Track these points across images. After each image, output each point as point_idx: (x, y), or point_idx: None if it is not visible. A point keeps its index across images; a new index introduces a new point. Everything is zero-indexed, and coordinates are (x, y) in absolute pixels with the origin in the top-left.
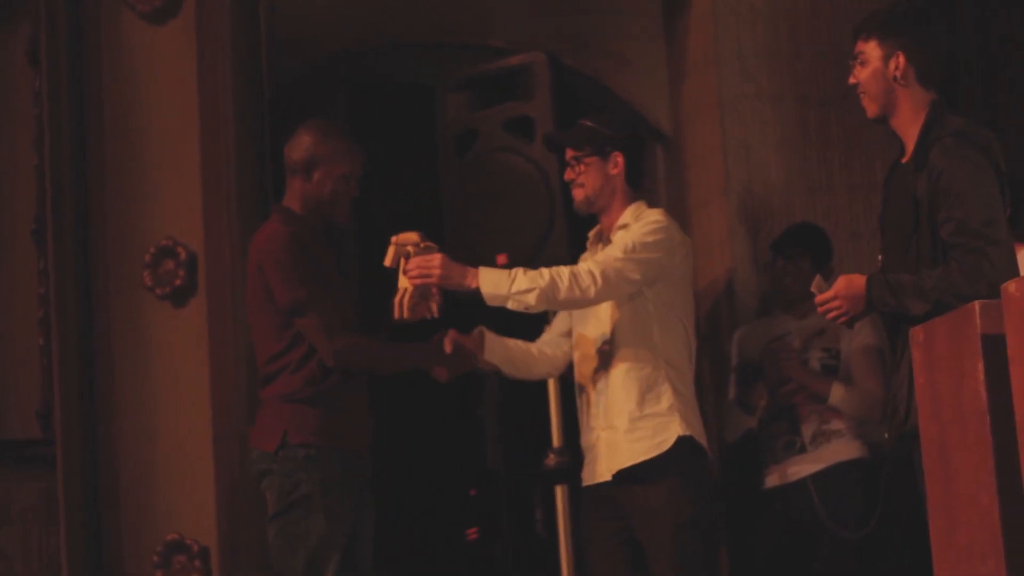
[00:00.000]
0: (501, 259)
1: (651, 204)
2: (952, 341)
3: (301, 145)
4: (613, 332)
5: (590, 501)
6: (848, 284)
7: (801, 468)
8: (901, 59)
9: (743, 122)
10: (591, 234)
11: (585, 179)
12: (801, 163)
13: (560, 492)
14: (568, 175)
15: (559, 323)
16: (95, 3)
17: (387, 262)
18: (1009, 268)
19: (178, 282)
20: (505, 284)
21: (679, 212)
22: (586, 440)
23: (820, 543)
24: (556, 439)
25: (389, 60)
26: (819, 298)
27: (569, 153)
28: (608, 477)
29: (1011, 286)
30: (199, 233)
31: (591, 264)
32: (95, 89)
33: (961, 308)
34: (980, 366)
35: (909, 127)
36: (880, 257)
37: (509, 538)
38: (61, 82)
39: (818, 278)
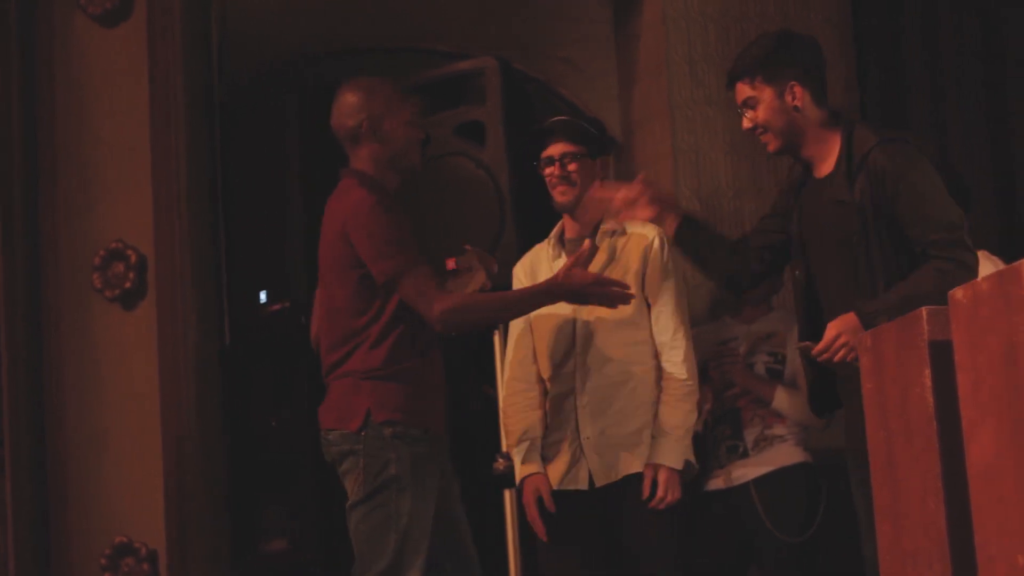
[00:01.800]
0: (450, 263)
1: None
2: (899, 347)
3: (355, 106)
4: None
5: (573, 504)
6: (843, 323)
7: (744, 472)
8: (796, 89)
9: (693, 127)
10: (554, 235)
11: (578, 178)
12: (750, 168)
13: (508, 496)
14: (555, 171)
15: None
16: (47, 5)
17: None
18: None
19: (128, 285)
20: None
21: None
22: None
23: (762, 547)
24: (504, 443)
25: (340, 64)
26: (819, 347)
27: (561, 150)
28: (602, 482)
29: (958, 292)
30: (149, 236)
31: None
32: (46, 90)
33: (908, 314)
34: (927, 372)
35: (819, 147)
36: (796, 272)
37: None
38: (12, 83)
39: (802, 345)
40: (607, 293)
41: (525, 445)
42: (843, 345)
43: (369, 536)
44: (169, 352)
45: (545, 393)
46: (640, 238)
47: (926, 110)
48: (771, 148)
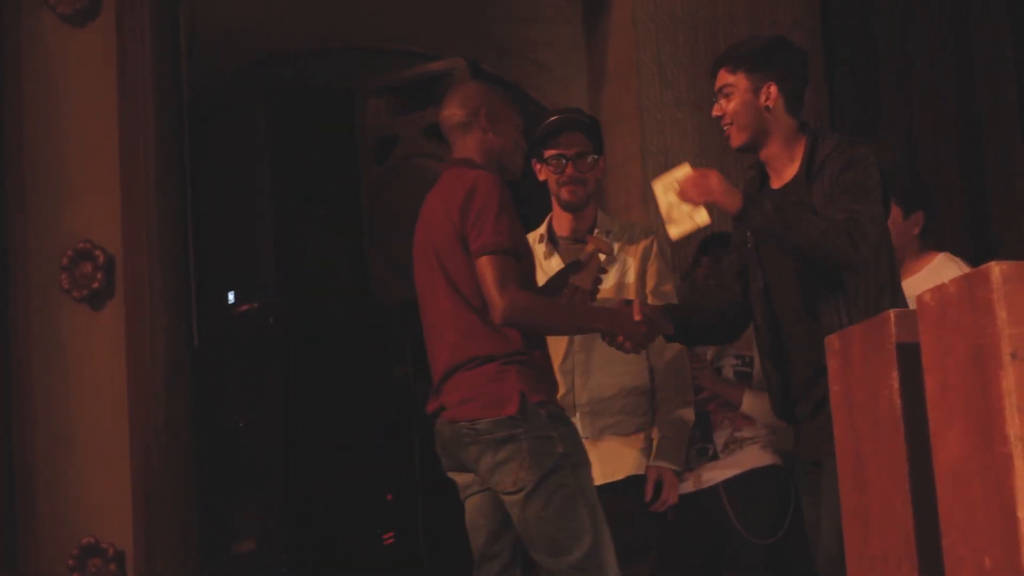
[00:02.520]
0: None
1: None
2: (867, 349)
3: (474, 97)
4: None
5: None
6: (709, 176)
7: (714, 474)
8: (773, 89)
9: (662, 129)
10: (543, 233)
11: (589, 176)
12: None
13: None
14: (569, 170)
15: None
16: (15, 4)
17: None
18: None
19: (96, 285)
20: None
21: None
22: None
23: (732, 549)
24: None
25: (310, 65)
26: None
27: (574, 148)
28: (600, 482)
29: (926, 295)
30: (117, 236)
31: None
32: (13, 90)
33: (876, 316)
34: (895, 374)
35: (781, 154)
36: (755, 283)
37: (425, 542)
38: None
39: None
40: (641, 341)
41: None
42: (690, 185)
43: (558, 519)
44: (137, 352)
45: None
46: (635, 237)
47: (896, 111)
48: (734, 142)
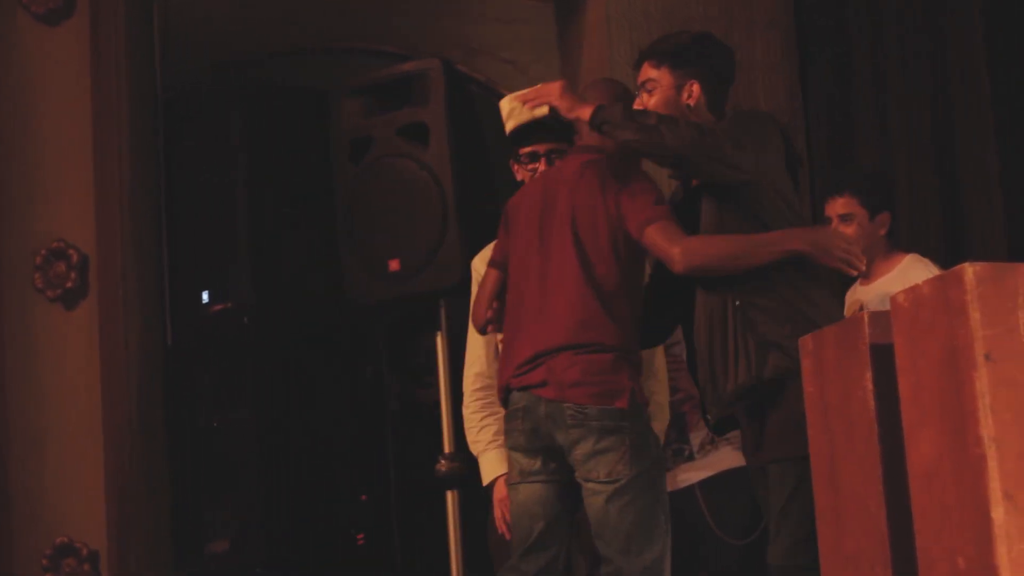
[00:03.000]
0: (394, 264)
1: None
2: (841, 350)
3: (616, 90)
4: None
5: None
6: (560, 88)
7: (689, 475)
8: (695, 88)
9: None
10: None
11: None
12: None
13: (451, 497)
14: (542, 168)
15: None
16: None
17: None
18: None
19: (69, 284)
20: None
21: None
22: None
23: (707, 549)
24: (447, 445)
25: (284, 65)
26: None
27: (546, 146)
28: None
29: (900, 296)
30: (91, 235)
31: None
32: None
33: (850, 317)
34: (868, 375)
35: None
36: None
37: (400, 542)
38: None
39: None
40: (850, 260)
41: (496, 445)
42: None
43: (639, 518)
44: (111, 352)
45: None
46: None
47: (870, 111)
48: None
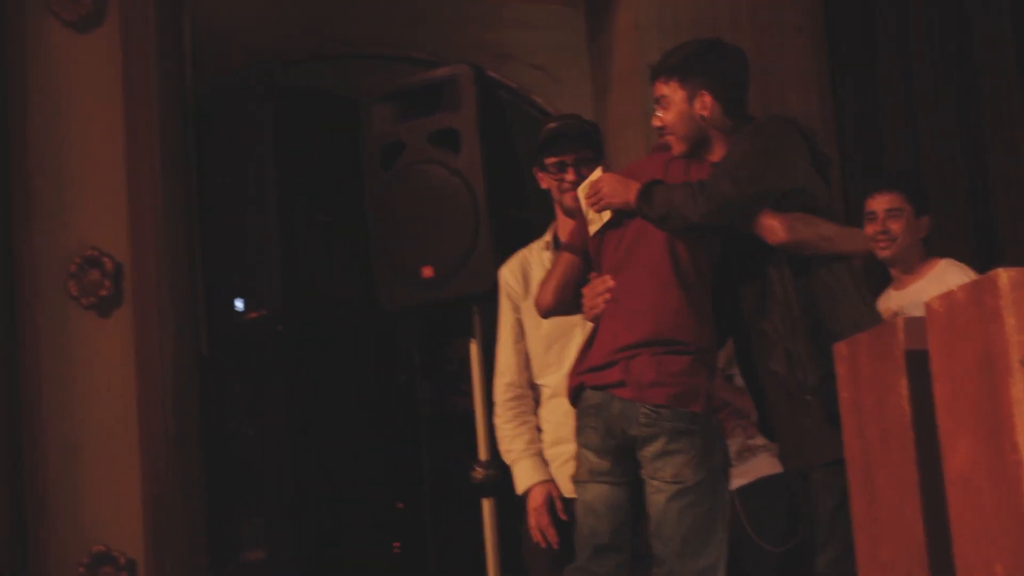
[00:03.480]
0: (427, 271)
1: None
2: (875, 357)
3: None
4: None
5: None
6: (615, 179)
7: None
8: (707, 98)
9: None
10: (547, 240)
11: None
12: None
13: (487, 505)
14: (570, 178)
15: None
16: (19, 10)
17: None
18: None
19: (104, 292)
20: None
21: None
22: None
23: (744, 556)
24: (483, 452)
25: (315, 71)
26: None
27: (574, 156)
28: None
29: (934, 302)
30: (125, 243)
31: None
32: (19, 97)
33: (884, 324)
34: (904, 382)
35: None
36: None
37: (434, 550)
38: None
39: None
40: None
41: (530, 454)
42: (597, 192)
43: (698, 524)
44: (146, 360)
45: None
46: None
47: (899, 116)
48: (675, 150)
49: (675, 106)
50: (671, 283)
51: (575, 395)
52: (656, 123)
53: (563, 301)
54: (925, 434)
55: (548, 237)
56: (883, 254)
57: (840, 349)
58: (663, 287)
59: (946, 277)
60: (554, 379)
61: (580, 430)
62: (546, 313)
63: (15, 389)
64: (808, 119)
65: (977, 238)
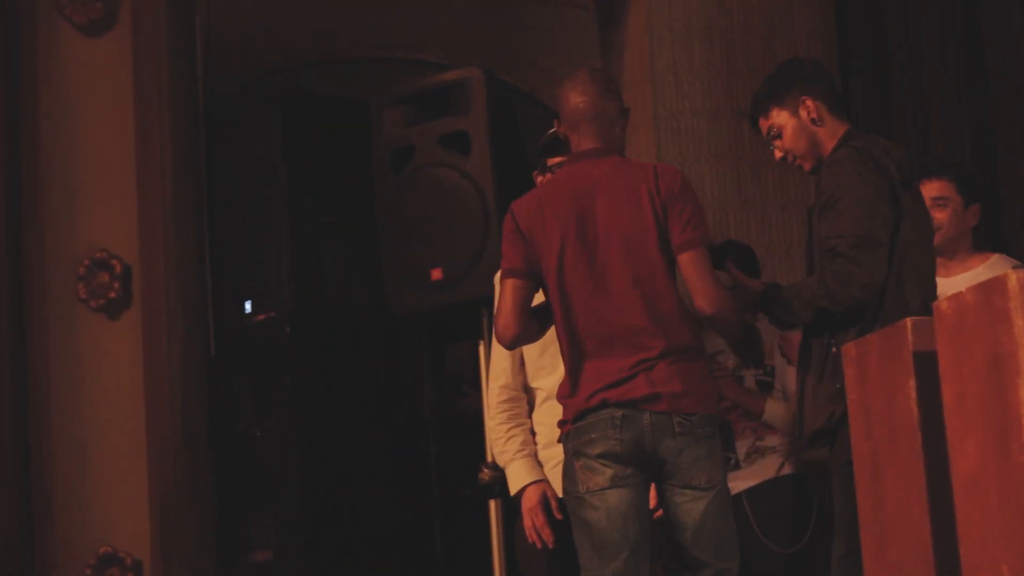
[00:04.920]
0: (436, 274)
1: None
2: (884, 358)
3: (619, 92)
4: None
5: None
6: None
7: (736, 484)
8: (808, 102)
9: (678, 138)
10: None
11: None
12: (735, 179)
13: (493, 506)
14: None
15: None
16: (30, 14)
17: None
18: (882, 267)
19: (113, 295)
20: None
21: None
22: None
23: (752, 557)
24: (490, 454)
25: (325, 74)
26: None
27: None
28: None
29: (943, 303)
30: (134, 245)
31: None
32: (30, 100)
33: (893, 325)
34: (912, 383)
35: None
36: None
37: (441, 550)
38: None
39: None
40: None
41: (524, 455)
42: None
43: (727, 522)
44: (154, 362)
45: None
46: None
47: (910, 118)
48: (806, 168)
49: (787, 127)
50: (659, 291)
51: (589, 409)
52: (778, 156)
53: (526, 328)
54: (933, 435)
55: None
56: None
57: (848, 350)
58: (654, 295)
59: (997, 271)
60: (549, 382)
61: (597, 441)
62: (512, 343)
63: (24, 390)
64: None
65: (986, 238)
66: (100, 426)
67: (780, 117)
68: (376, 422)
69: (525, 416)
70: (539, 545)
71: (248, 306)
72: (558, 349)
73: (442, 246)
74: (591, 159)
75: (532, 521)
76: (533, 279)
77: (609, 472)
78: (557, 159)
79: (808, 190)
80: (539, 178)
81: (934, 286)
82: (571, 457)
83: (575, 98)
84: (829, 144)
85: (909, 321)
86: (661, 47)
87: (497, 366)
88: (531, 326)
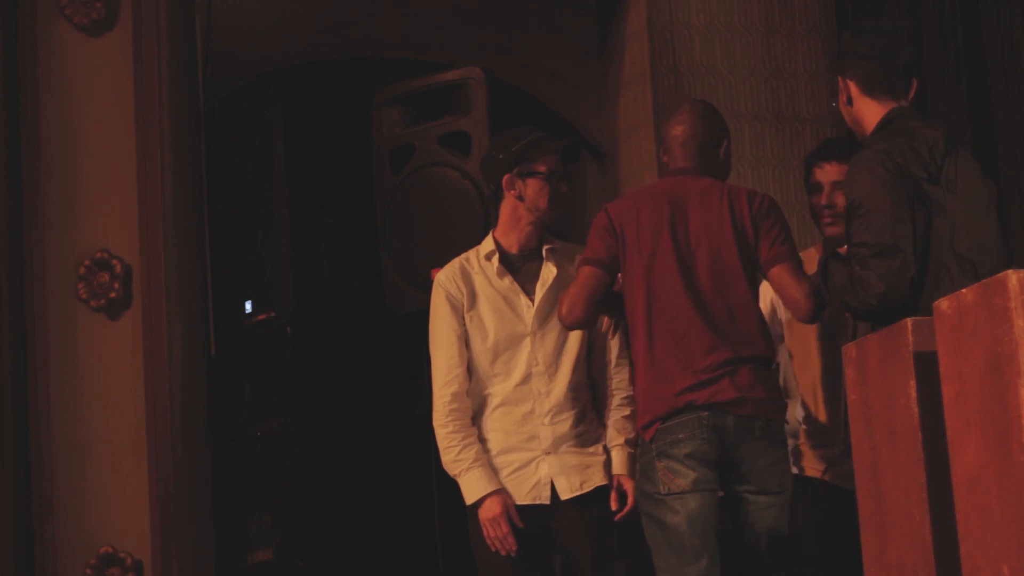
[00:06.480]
0: (436, 274)
1: (583, 220)
2: (884, 358)
3: (719, 124)
4: None
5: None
6: None
7: None
8: (842, 82)
9: None
10: (491, 251)
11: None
12: (735, 179)
13: None
14: (561, 188)
15: None
16: (31, 15)
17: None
18: (900, 275)
19: (113, 295)
20: None
21: None
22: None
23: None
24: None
25: (324, 74)
26: None
27: (561, 165)
28: (567, 496)
29: (943, 303)
30: (135, 246)
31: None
32: (31, 100)
33: (893, 325)
34: (912, 383)
35: None
36: None
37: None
38: None
39: None
40: None
41: (481, 463)
42: None
43: (790, 528)
44: (154, 362)
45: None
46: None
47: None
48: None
49: (839, 101)
50: (744, 300)
51: (676, 409)
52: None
53: (590, 315)
54: (933, 435)
55: (491, 246)
56: (830, 231)
57: (848, 351)
58: (741, 303)
59: None
60: (502, 388)
61: (684, 441)
62: (573, 326)
63: (24, 390)
64: (821, 121)
65: None
66: (100, 426)
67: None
68: (376, 422)
69: (472, 424)
70: (502, 553)
71: (248, 306)
72: (511, 356)
73: (442, 246)
74: (688, 176)
75: (495, 531)
76: (611, 274)
77: (692, 475)
78: (545, 167)
79: None
80: (518, 181)
81: (996, 257)
82: (654, 457)
83: (673, 127)
84: (866, 122)
85: (909, 321)
86: (661, 47)
87: (448, 373)
88: (592, 315)
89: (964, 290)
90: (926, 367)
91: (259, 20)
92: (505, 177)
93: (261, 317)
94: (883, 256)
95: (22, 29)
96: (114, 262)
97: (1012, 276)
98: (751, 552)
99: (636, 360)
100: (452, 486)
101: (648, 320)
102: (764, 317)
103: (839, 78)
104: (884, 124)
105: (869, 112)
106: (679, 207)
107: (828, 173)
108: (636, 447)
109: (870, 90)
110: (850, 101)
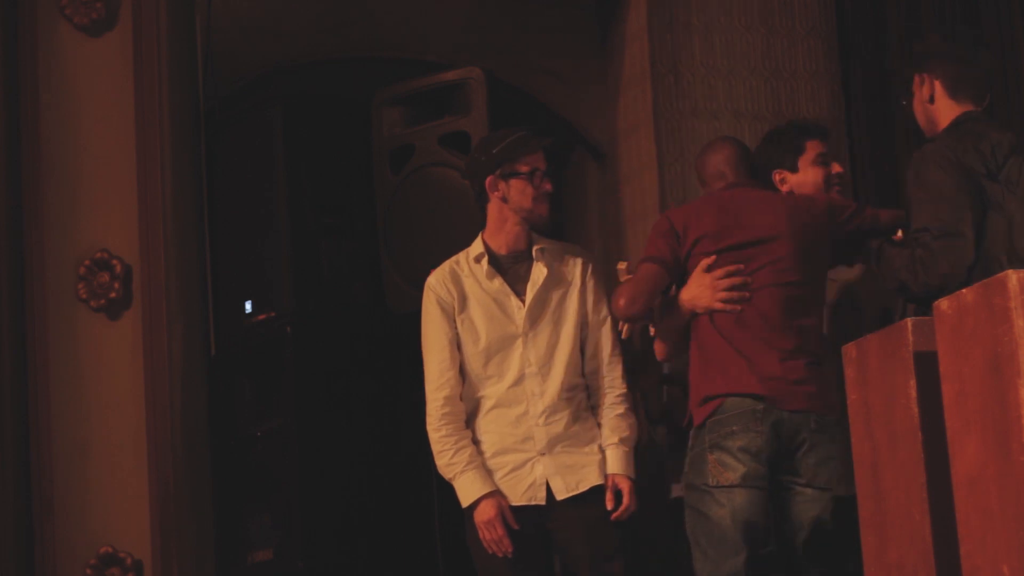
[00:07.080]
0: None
1: (582, 221)
2: (884, 358)
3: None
4: None
5: (529, 519)
6: None
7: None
8: (927, 79)
9: (678, 137)
10: (480, 253)
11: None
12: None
13: None
14: (547, 187)
15: None
16: (31, 15)
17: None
18: (962, 259)
19: (113, 295)
20: None
21: (614, 226)
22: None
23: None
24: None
25: (324, 74)
26: None
27: (546, 165)
28: (563, 496)
29: (943, 303)
30: (135, 246)
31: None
32: (30, 100)
33: (893, 325)
34: (912, 383)
35: None
36: None
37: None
38: None
39: None
40: None
41: (475, 466)
42: None
43: (833, 526)
44: (154, 362)
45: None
46: (573, 255)
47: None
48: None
49: (914, 94)
50: (808, 306)
51: (730, 406)
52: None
53: (647, 311)
54: (933, 435)
55: (480, 248)
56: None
57: (848, 351)
58: (800, 303)
59: None
60: (495, 391)
61: (739, 434)
62: (629, 319)
63: (24, 390)
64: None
65: None
66: (100, 426)
67: (913, 82)
68: (376, 422)
69: (465, 426)
70: (499, 555)
71: (248, 306)
72: (503, 358)
73: (442, 246)
74: (744, 187)
75: (491, 534)
76: (671, 273)
77: (743, 469)
78: (530, 167)
79: None
80: (502, 182)
81: None
82: (705, 449)
83: (717, 152)
84: (941, 122)
85: (909, 321)
86: (661, 47)
87: (440, 377)
88: (649, 312)
89: (964, 290)
90: (926, 367)
91: (259, 20)
92: (488, 179)
93: (261, 317)
94: (947, 238)
95: (22, 29)
96: (114, 262)
97: (1012, 276)
98: (789, 545)
99: (693, 351)
100: (452, 486)
101: (710, 319)
102: (821, 316)
103: (918, 76)
104: (955, 125)
105: (948, 112)
106: (742, 212)
107: (826, 147)
108: (688, 439)
109: (954, 91)
110: (932, 99)
